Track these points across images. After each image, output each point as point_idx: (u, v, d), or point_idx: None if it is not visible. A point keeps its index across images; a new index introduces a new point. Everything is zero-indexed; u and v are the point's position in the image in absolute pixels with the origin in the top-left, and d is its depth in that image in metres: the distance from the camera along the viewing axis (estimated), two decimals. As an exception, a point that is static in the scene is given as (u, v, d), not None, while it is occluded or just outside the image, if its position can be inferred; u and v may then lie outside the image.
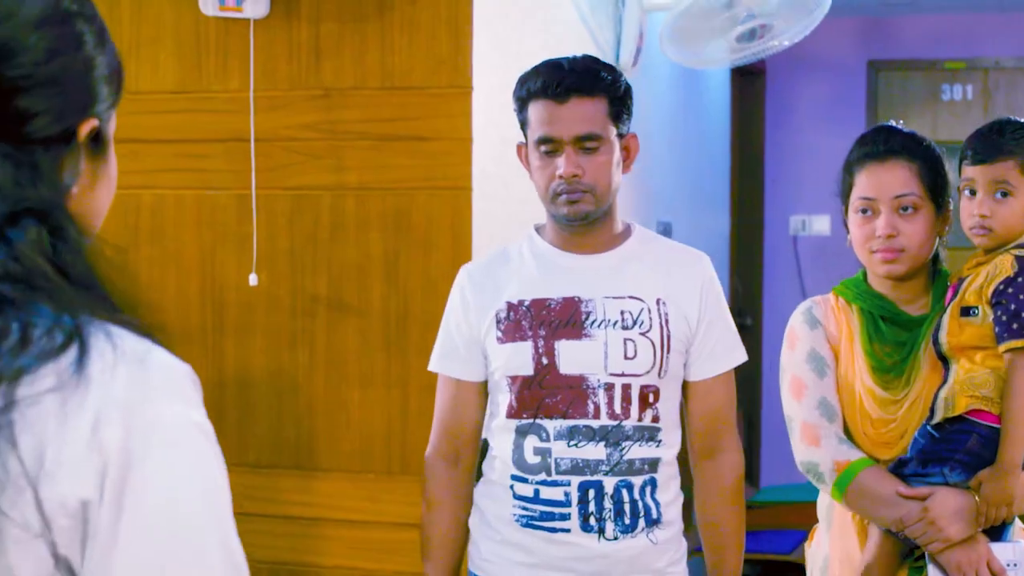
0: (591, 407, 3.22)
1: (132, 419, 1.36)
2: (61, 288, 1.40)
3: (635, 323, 3.25)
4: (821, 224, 9.51)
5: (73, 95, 1.49)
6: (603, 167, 3.24)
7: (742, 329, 4.26)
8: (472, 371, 3.39)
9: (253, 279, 4.42)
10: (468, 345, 3.37)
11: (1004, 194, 3.21)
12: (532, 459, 3.26)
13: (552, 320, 3.26)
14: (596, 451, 3.22)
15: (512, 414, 3.28)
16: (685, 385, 3.37)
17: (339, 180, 4.41)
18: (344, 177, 4.40)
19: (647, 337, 3.25)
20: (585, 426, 3.22)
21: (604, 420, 3.22)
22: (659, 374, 3.26)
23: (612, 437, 3.22)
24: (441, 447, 3.45)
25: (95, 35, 1.55)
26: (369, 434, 4.40)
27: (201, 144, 4.53)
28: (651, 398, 3.26)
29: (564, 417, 3.23)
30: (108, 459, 1.34)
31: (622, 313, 3.26)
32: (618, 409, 3.23)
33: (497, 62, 4.43)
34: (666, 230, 6.78)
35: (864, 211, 3.35)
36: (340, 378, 4.44)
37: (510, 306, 3.31)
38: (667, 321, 3.27)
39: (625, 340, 3.24)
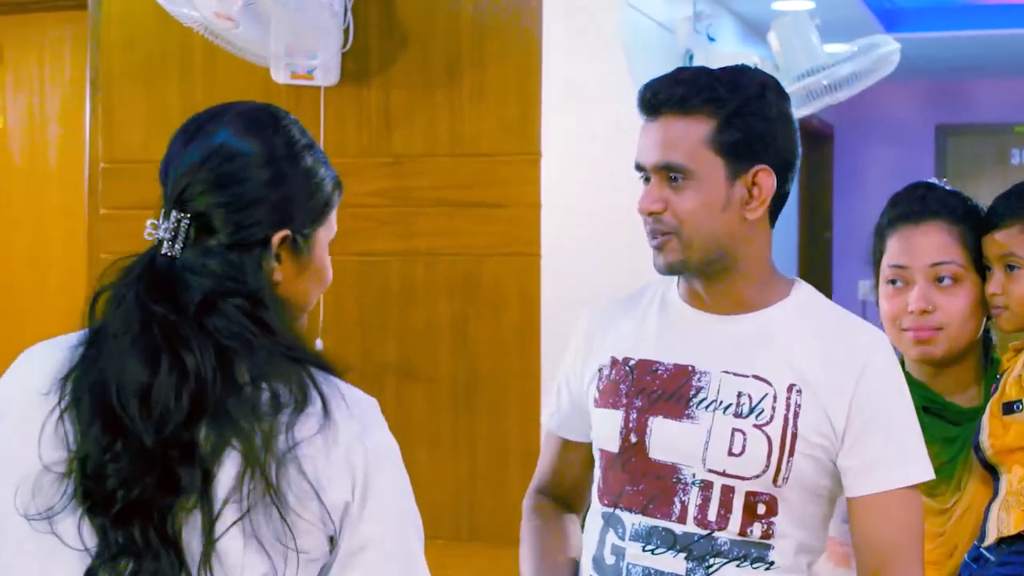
0: (677, 507, 2.51)
1: (367, 446, 2.00)
2: (267, 346, 1.94)
3: (751, 411, 2.50)
4: (890, 289, 9.46)
5: (268, 215, 2.00)
6: (688, 204, 2.49)
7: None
8: (576, 431, 2.76)
9: (319, 344, 4.44)
10: (575, 401, 2.74)
11: (1011, 267, 2.77)
12: (608, 559, 2.59)
13: (655, 390, 2.56)
14: (674, 564, 2.50)
15: (599, 496, 2.64)
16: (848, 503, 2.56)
17: (408, 246, 4.43)
18: (413, 243, 4.42)
19: (763, 431, 2.48)
20: (665, 529, 2.51)
21: (690, 526, 2.50)
22: (775, 480, 2.47)
23: (697, 550, 2.49)
24: (543, 485, 2.86)
25: (296, 171, 2.05)
26: (438, 500, 4.40)
27: (272, 210, 4.56)
28: (761, 509, 2.49)
29: (643, 513, 2.54)
30: (356, 474, 1.97)
31: (739, 396, 2.51)
32: (711, 516, 2.49)
33: (566, 129, 4.44)
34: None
35: (894, 281, 2.86)
36: (408, 443, 4.41)
37: (614, 363, 2.63)
38: (797, 415, 2.48)
39: (734, 431, 2.49)
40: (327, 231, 2.11)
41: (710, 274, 2.54)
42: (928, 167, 9.62)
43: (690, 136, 2.48)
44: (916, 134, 9.60)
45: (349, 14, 4.41)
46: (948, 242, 2.82)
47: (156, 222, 2.00)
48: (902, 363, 2.79)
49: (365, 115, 4.47)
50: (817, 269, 9.39)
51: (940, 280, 2.80)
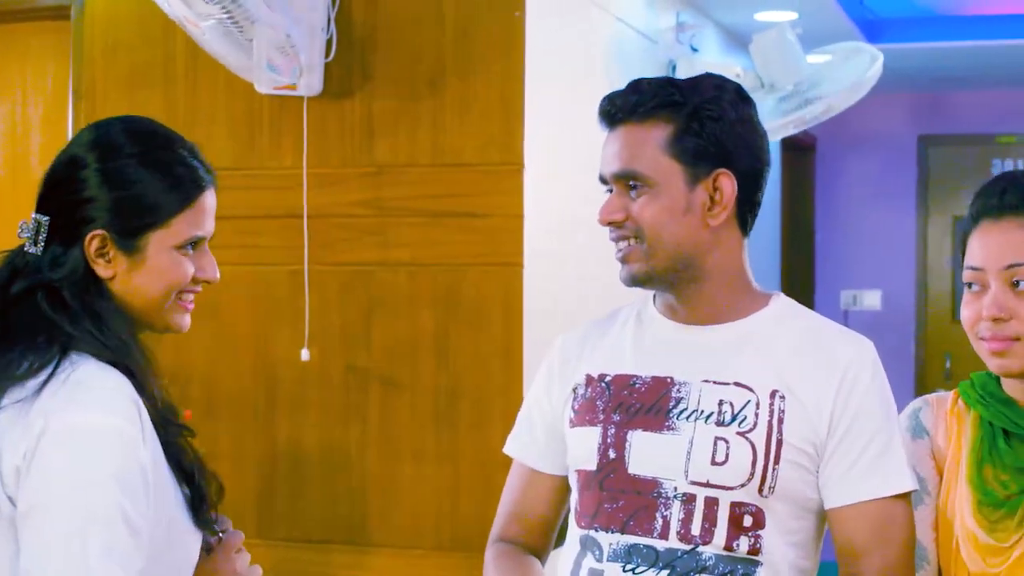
0: (658, 522, 2.40)
1: (51, 421, 2.06)
2: (61, 329, 2.16)
3: (734, 418, 2.41)
4: (872, 299, 9.49)
5: (86, 218, 2.21)
6: (648, 212, 2.44)
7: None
8: (550, 461, 2.64)
9: (305, 354, 4.44)
10: (549, 428, 2.63)
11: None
12: None
13: (632, 404, 2.48)
14: None
15: (576, 520, 2.53)
16: (828, 517, 2.47)
17: (391, 256, 4.43)
18: (396, 253, 4.42)
19: (746, 439, 2.40)
20: (646, 546, 2.40)
21: (673, 542, 2.39)
22: (760, 490, 2.38)
23: (681, 566, 2.38)
24: (506, 532, 2.69)
25: (99, 178, 2.22)
26: (420, 510, 4.40)
27: (254, 220, 4.56)
28: (747, 521, 2.39)
29: (623, 531, 2.43)
30: (31, 443, 2.06)
31: (720, 404, 2.43)
32: (695, 530, 2.39)
33: (549, 139, 4.45)
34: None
35: (971, 285, 2.48)
36: (391, 453, 4.44)
37: (589, 380, 2.56)
38: (781, 421, 2.40)
39: (716, 439, 2.40)
40: (170, 235, 2.25)
41: (679, 284, 2.49)
42: (910, 178, 9.65)
43: (647, 143, 2.44)
44: (898, 144, 9.63)
45: (332, 25, 4.42)
46: None
47: (25, 223, 2.26)
48: (993, 379, 2.51)
49: (348, 125, 4.47)
50: (799, 279, 9.41)
51: (1016, 284, 2.41)
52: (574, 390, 2.57)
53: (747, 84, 5.45)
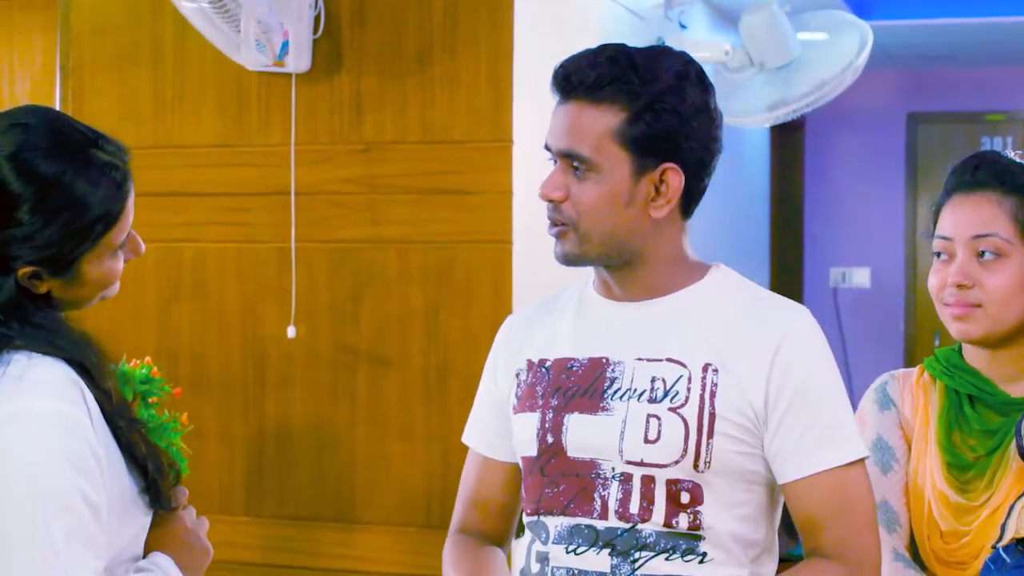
0: (597, 503, 2.38)
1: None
2: (5, 336, 2.12)
3: (666, 395, 2.37)
4: (861, 276, 9.50)
5: (11, 252, 2.14)
6: (588, 197, 2.39)
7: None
8: (501, 448, 2.62)
9: (291, 331, 4.44)
10: (498, 414, 2.61)
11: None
12: (534, 567, 2.46)
13: (569, 388, 2.45)
14: (598, 561, 2.37)
15: (524, 507, 2.53)
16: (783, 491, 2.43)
17: (379, 233, 4.42)
18: (384, 231, 4.42)
19: (678, 414, 2.36)
20: (587, 526, 2.39)
21: (612, 521, 2.37)
22: (696, 466, 2.35)
23: (621, 544, 2.36)
24: (465, 521, 2.70)
25: (31, 217, 2.13)
26: (410, 487, 4.40)
27: (242, 198, 4.56)
28: (684, 498, 2.35)
29: (564, 513, 2.41)
30: None
31: (652, 381, 2.39)
32: (633, 508, 2.36)
33: (537, 116, 4.43)
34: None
35: (939, 255, 2.65)
36: (381, 431, 4.44)
37: (530, 366, 2.53)
38: (714, 395, 2.36)
39: (648, 416, 2.37)
40: (102, 249, 2.20)
41: (613, 266, 2.45)
42: (899, 155, 9.65)
43: (597, 127, 2.37)
44: (887, 122, 9.63)
45: (320, 1, 4.40)
46: (996, 214, 2.59)
47: None
48: (956, 352, 2.69)
49: (336, 102, 4.46)
50: (788, 257, 9.41)
51: (982, 254, 2.58)
52: (516, 375, 2.55)
53: (736, 62, 5.46)
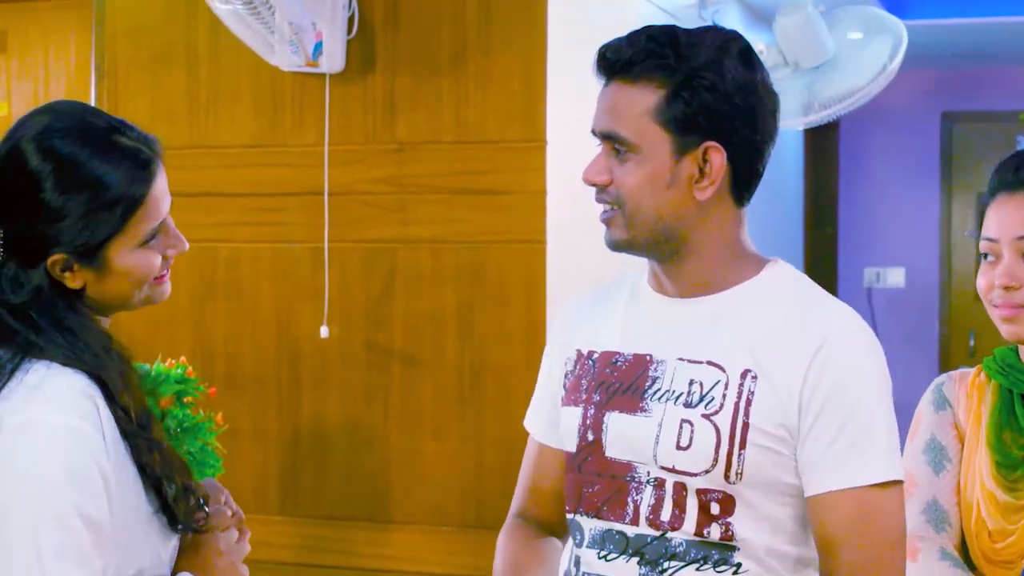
0: (630, 507, 2.31)
1: (4, 419, 2.05)
2: (29, 342, 2.13)
3: (701, 400, 2.27)
4: (896, 276, 9.46)
5: (39, 238, 2.15)
6: (631, 179, 2.31)
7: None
8: (555, 435, 2.51)
9: (324, 331, 4.45)
10: (552, 401, 2.52)
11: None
12: (571, 571, 2.42)
13: (613, 383, 2.37)
14: (627, 569, 2.30)
15: (566, 502, 2.46)
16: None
17: (413, 233, 4.43)
18: (418, 230, 4.42)
19: (711, 421, 2.25)
20: (618, 532, 2.32)
21: (643, 528, 2.29)
22: (727, 476, 2.24)
23: (650, 553, 2.28)
24: (523, 506, 2.61)
25: (52, 188, 2.13)
26: (444, 487, 4.40)
27: (276, 198, 4.57)
28: (715, 508, 2.25)
29: (598, 516, 2.35)
30: None
31: (690, 383, 2.29)
32: (665, 515, 2.27)
33: (571, 115, 4.44)
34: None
35: (986, 256, 2.61)
36: (414, 431, 4.44)
37: (579, 357, 2.46)
38: (749, 403, 2.24)
39: (682, 422, 2.27)
40: (130, 237, 2.19)
41: (662, 255, 2.34)
42: (933, 155, 9.61)
43: (635, 107, 2.28)
44: (921, 122, 9.59)
45: (354, 1, 4.41)
46: None
47: None
48: (1013, 351, 2.64)
49: (370, 102, 4.47)
50: (823, 257, 9.38)
51: None
52: (566, 365, 2.48)
53: (770, 60, 5.44)
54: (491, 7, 4.34)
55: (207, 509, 2.29)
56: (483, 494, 4.35)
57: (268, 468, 4.57)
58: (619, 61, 2.30)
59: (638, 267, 2.52)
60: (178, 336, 4.65)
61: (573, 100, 4.48)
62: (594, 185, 2.34)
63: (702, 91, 2.25)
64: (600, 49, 2.34)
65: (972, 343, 9.33)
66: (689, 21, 5.71)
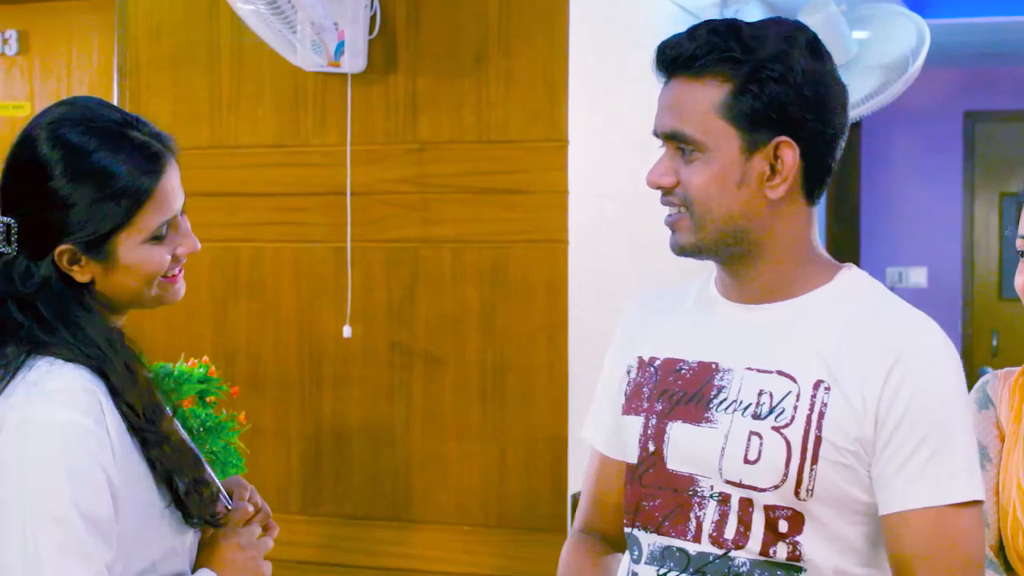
0: (692, 524, 2.19)
1: (8, 415, 2.06)
2: (34, 336, 2.13)
3: (771, 411, 2.15)
4: (918, 276, 9.44)
5: (46, 229, 2.16)
6: (698, 179, 2.17)
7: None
8: (617, 445, 2.39)
9: (347, 331, 4.45)
10: (613, 410, 2.39)
11: None
12: None
13: (676, 392, 2.25)
14: None
15: (624, 515, 2.34)
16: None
17: (435, 233, 4.43)
18: (440, 230, 4.42)
19: (781, 434, 2.13)
20: (679, 549, 2.20)
21: (705, 545, 2.18)
22: (797, 493, 2.12)
23: (712, 572, 2.17)
24: (587, 520, 2.49)
25: (61, 176, 2.15)
26: (466, 486, 4.40)
27: (299, 198, 4.57)
28: (783, 526, 2.14)
29: (658, 532, 2.23)
30: None
31: (759, 394, 2.17)
32: (728, 533, 2.16)
33: (593, 115, 4.44)
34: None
35: (1021, 254, 2.53)
36: (436, 430, 4.44)
37: (640, 364, 2.34)
38: (822, 416, 2.12)
39: (750, 434, 2.15)
40: (138, 231, 2.18)
41: (731, 259, 2.22)
42: (956, 153, 9.58)
43: (699, 103, 2.15)
44: (944, 120, 9.56)
45: (375, 1, 4.41)
46: None
47: None
48: None
49: (392, 102, 4.47)
50: (845, 257, 9.34)
51: None
52: (627, 372, 2.35)
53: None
54: (513, 7, 4.34)
55: (227, 504, 2.29)
56: (505, 494, 4.34)
57: (291, 468, 4.58)
58: (681, 56, 2.17)
59: (646, 279, 2.49)
60: (201, 336, 4.66)
61: (595, 99, 4.47)
62: (659, 188, 2.21)
63: (771, 83, 2.13)
64: (659, 46, 2.22)
65: (995, 343, 9.30)
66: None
